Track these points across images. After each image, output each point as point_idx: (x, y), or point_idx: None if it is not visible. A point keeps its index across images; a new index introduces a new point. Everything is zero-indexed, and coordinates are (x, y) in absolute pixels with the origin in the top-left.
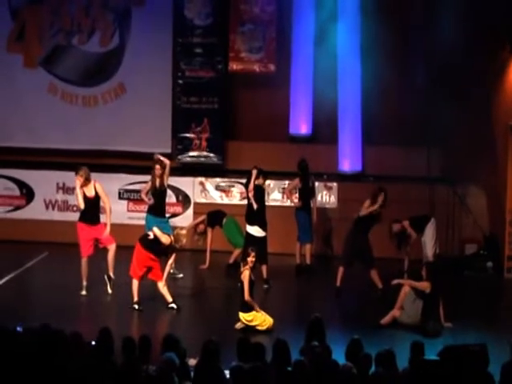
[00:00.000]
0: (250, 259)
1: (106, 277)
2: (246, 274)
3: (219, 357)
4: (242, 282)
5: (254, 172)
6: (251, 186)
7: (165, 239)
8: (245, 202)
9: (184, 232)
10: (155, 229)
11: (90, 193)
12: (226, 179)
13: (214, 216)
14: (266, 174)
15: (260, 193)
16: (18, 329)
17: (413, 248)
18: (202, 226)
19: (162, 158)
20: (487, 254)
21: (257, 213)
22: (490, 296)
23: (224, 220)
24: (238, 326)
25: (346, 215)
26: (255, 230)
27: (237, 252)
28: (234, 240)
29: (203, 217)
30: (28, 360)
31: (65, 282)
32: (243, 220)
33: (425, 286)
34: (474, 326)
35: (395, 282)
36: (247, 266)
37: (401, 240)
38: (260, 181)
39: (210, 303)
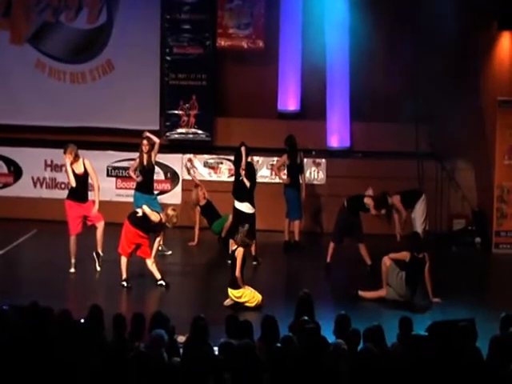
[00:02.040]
0: (245, 234)
1: (94, 254)
2: (240, 251)
3: (208, 333)
4: (233, 259)
5: (244, 149)
6: (243, 163)
7: (154, 217)
8: (233, 178)
9: (175, 212)
10: (145, 207)
11: (79, 170)
12: (214, 156)
13: (210, 212)
14: (249, 151)
15: (249, 170)
16: (4, 307)
17: (405, 225)
18: (201, 194)
19: (151, 136)
20: (475, 230)
21: (248, 190)
22: (478, 271)
23: (214, 223)
24: (227, 302)
25: (334, 191)
26: (245, 207)
27: (228, 224)
28: (222, 222)
29: (206, 194)
30: (16, 338)
31: (53, 259)
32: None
33: (404, 255)
34: (463, 301)
35: None
36: (239, 242)
37: (390, 213)
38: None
39: (199, 280)
